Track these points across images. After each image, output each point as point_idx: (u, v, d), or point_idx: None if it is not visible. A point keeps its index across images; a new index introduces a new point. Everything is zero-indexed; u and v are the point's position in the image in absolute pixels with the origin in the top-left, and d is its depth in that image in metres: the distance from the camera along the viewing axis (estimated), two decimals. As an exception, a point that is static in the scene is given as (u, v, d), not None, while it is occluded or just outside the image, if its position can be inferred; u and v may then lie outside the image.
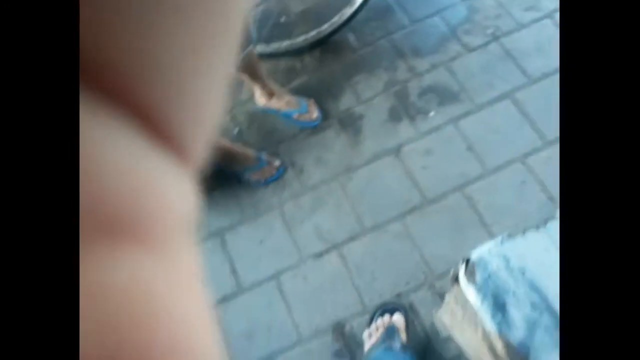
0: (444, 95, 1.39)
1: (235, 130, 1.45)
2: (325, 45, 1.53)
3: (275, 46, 1.51)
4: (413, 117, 1.38)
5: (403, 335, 1.08)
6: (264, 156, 1.36)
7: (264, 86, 1.37)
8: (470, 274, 0.63)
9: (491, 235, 1.17)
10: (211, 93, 0.09)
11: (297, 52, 1.52)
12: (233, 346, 1.19)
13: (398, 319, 1.12)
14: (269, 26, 1.52)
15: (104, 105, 0.08)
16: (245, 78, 1.35)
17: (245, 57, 1.21)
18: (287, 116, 1.41)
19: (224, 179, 1.35)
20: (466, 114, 1.35)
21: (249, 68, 1.30)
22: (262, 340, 1.20)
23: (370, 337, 1.10)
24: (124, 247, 0.08)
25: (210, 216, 1.34)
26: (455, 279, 0.68)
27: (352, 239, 1.26)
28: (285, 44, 1.51)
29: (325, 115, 1.42)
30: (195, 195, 0.10)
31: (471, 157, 1.31)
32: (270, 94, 1.39)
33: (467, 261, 0.64)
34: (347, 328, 1.17)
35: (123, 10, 0.07)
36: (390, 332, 1.07)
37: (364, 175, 1.33)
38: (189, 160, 0.10)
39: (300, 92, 1.46)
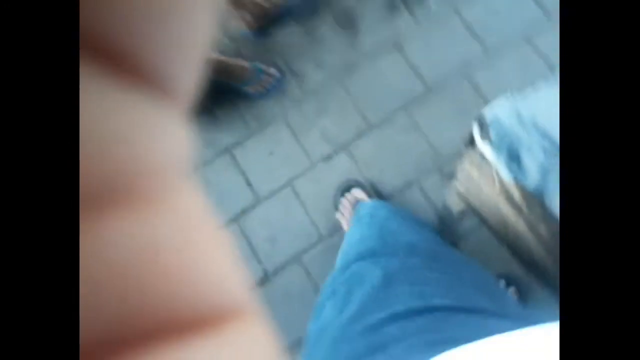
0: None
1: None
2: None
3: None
4: (410, 7, 1.33)
5: None
6: (260, 66, 1.33)
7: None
8: (485, 133, 0.65)
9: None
10: (195, 28, 0.08)
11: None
12: (259, 252, 1.26)
13: (359, 193, 1.17)
14: None
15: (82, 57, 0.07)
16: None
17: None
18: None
19: (223, 95, 1.33)
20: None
21: None
22: (285, 243, 1.26)
23: (343, 217, 1.17)
24: (126, 206, 0.08)
25: (216, 134, 1.35)
26: (470, 142, 0.70)
27: (358, 137, 1.27)
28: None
29: (319, 12, 1.37)
30: (189, 133, 0.09)
31: (473, 41, 1.28)
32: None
33: (481, 121, 0.66)
34: (364, 221, 1.23)
35: None
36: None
37: (365, 72, 1.31)
38: (180, 97, 0.09)
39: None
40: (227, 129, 1.36)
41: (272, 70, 1.33)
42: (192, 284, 0.08)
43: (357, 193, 1.17)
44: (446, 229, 1.18)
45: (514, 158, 0.63)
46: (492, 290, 0.64)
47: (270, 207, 1.29)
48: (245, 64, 1.32)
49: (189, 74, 0.09)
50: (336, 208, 1.21)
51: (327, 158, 1.28)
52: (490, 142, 0.64)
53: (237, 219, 1.27)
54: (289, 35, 1.38)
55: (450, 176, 1.16)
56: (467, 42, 1.28)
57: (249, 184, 1.31)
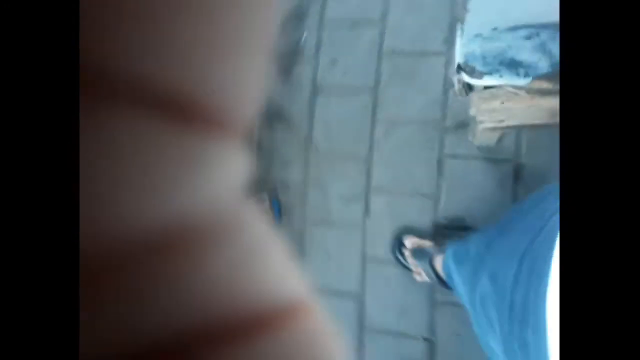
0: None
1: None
2: None
3: None
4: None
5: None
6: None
7: None
8: (472, 73, 0.64)
9: None
10: (251, 67, 0.09)
11: None
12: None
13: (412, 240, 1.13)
14: None
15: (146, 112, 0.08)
16: None
17: None
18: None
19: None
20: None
21: None
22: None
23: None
24: (206, 238, 0.09)
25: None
26: (466, 88, 0.71)
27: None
28: None
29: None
30: (247, 161, 0.10)
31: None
32: None
33: (460, 68, 0.65)
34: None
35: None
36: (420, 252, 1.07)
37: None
38: (240, 130, 0.10)
39: None
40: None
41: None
42: (263, 289, 0.10)
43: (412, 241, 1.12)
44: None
45: (512, 65, 0.62)
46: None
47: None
48: None
49: (247, 107, 0.10)
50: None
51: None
52: (482, 74, 0.64)
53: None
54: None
55: (463, 126, 1.16)
56: None
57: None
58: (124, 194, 0.08)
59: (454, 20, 1.00)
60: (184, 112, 0.08)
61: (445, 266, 0.87)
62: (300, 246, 1.25)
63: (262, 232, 0.11)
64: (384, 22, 1.23)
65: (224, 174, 0.09)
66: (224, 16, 0.08)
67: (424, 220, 1.15)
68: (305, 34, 1.30)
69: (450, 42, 1.17)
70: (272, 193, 1.27)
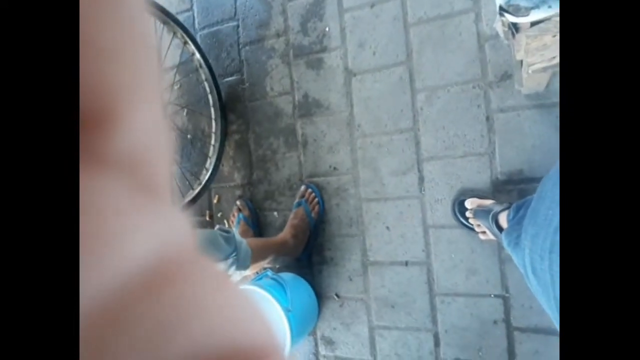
0: None
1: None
2: None
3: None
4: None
5: None
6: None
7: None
8: (518, 12, 0.62)
9: None
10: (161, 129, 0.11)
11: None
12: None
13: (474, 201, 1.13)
14: None
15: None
16: None
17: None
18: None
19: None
20: None
21: None
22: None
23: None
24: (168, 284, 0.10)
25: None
26: (512, 29, 0.67)
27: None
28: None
29: None
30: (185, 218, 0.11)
31: None
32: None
33: (502, 10, 0.62)
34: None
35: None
36: None
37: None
38: (165, 192, 0.11)
39: None
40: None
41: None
42: (222, 331, 0.10)
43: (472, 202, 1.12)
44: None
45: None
46: None
47: None
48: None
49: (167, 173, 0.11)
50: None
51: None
52: (528, 9, 0.60)
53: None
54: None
55: (506, 77, 1.13)
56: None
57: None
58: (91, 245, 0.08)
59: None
60: (129, 165, 0.09)
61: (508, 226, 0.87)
62: (359, 224, 1.29)
63: (214, 275, 0.11)
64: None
65: (167, 226, 0.10)
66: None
67: (482, 179, 1.15)
68: (327, 29, 1.32)
69: (476, -3, 1.14)
70: (307, 181, 1.33)
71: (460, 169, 1.18)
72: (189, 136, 1.51)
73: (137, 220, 0.09)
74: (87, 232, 0.08)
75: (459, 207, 1.15)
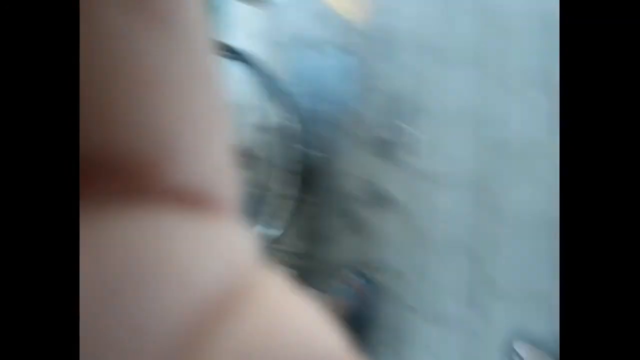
0: None
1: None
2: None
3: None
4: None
5: None
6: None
7: None
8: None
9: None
10: (225, 150, 0.10)
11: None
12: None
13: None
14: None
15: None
16: None
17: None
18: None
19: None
20: None
21: None
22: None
23: None
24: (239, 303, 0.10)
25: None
26: None
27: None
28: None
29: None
30: (252, 236, 0.11)
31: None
32: None
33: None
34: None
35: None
36: None
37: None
38: (232, 207, 0.11)
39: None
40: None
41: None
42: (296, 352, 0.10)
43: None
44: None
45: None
46: None
47: None
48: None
49: (231, 187, 0.11)
50: None
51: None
52: None
53: None
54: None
55: None
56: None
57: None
58: (142, 289, 0.08)
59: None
60: (187, 199, 0.09)
61: None
62: (395, 334, 1.18)
63: (286, 295, 0.11)
64: (484, 111, 1.22)
65: (230, 248, 0.10)
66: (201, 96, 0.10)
67: (544, 325, 1.01)
68: (406, 128, 1.33)
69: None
70: (368, 273, 1.26)
71: (522, 310, 1.04)
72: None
73: (197, 245, 0.09)
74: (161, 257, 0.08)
75: (511, 352, 1.00)
